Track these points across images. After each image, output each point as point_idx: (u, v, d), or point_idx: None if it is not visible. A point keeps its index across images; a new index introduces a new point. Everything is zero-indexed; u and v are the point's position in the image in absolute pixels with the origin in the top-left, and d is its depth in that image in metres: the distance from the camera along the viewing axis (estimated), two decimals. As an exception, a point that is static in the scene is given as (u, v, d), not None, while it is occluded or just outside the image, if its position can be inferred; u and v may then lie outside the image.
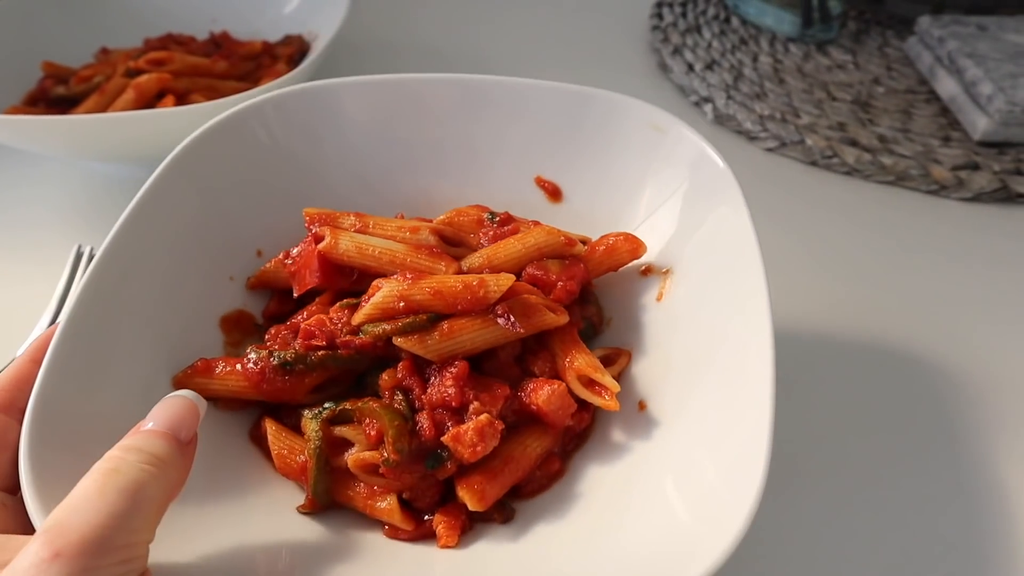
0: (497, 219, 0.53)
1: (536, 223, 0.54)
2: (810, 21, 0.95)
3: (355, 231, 0.51)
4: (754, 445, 0.37)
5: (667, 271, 0.51)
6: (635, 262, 0.53)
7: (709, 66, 0.91)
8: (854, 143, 0.79)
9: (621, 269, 0.53)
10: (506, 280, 0.45)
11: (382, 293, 0.45)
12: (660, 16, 1.03)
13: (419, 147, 0.58)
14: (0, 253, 0.70)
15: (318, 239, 0.50)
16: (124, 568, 0.32)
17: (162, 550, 0.37)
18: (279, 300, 0.54)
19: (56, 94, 0.79)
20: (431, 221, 0.53)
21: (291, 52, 0.85)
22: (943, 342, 0.62)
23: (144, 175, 0.67)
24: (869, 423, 0.56)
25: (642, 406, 0.47)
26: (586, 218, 0.56)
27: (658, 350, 0.49)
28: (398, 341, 0.44)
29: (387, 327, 0.45)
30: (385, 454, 0.42)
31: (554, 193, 0.58)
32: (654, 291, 0.52)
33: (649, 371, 0.48)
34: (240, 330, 0.52)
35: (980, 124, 0.79)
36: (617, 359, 0.49)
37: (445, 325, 0.45)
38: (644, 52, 1.00)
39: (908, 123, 0.83)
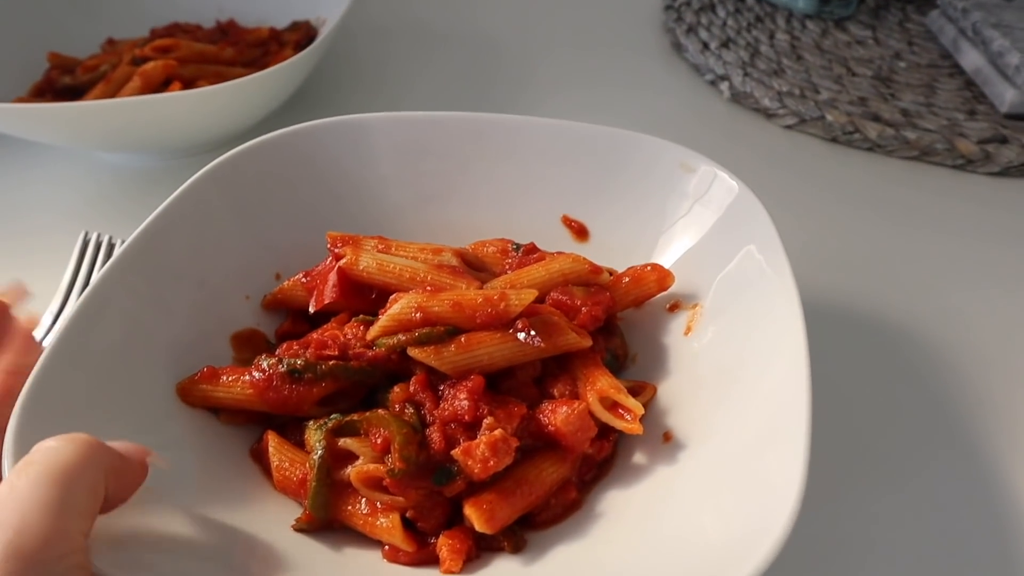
0: (521, 249, 0.52)
1: (560, 253, 0.52)
2: None
3: (376, 252, 0.50)
4: (786, 484, 0.35)
5: (695, 305, 0.50)
6: (662, 296, 0.51)
7: (725, 44, 0.90)
8: (876, 118, 0.77)
9: (647, 304, 0.52)
10: (528, 294, 0.44)
11: (400, 304, 0.44)
12: None
13: (446, 182, 0.58)
14: (7, 241, 0.69)
15: (339, 258, 0.49)
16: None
17: (147, 562, 0.35)
18: (294, 320, 0.53)
19: (63, 84, 0.79)
20: (452, 247, 0.52)
21: (298, 38, 0.85)
22: (972, 321, 0.60)
23: (151, 164, 0.66)
24: (896, 411, 0.54)
25: (668, 437, 0.44)
26: (613, 256, 0.54)
27: (686, 383, 0.47)
28: (413, 352, 0.43)
29: (402, 338, 0.43)
30: (390, 463, 0.40)
31: (580, 232, 0.57)
32: (681, 326, 0.50)
33: (676, 403, 0.46)
34: (251, 348, 0.51)
35: (1007, 96, 0.77)
36: (642, 391, 0.47)
37: (463, 338, 0.43)
38: (657, 32, 0.99)
39: (932, 97, 0.81)
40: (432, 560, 0.41)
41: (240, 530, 0.41)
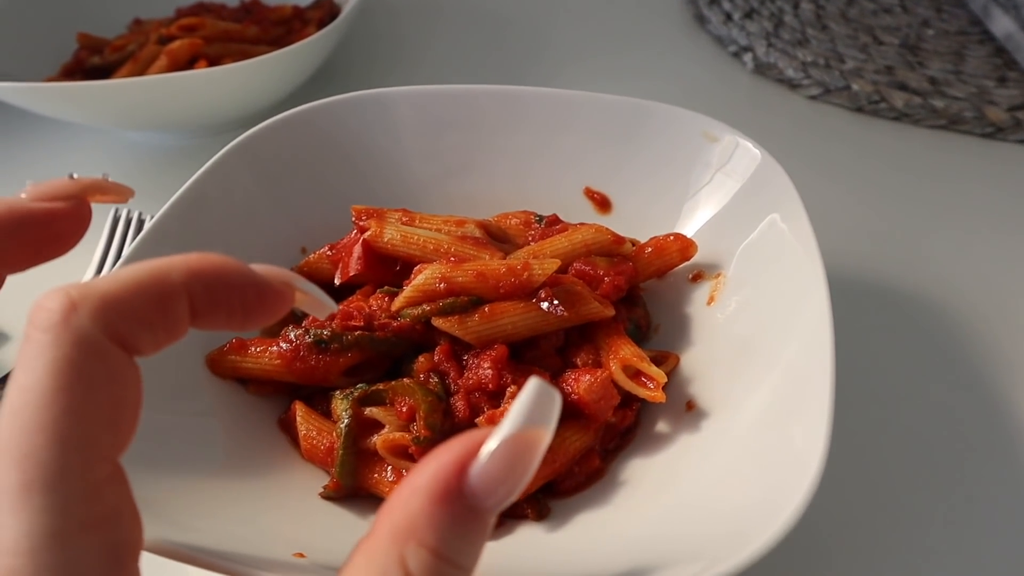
0: (544, 220, 0.53)
1: (582, 224, 0.53)
2: None
3: (400, 224, 0.50)
4: (808, 453, 0.35)
5: (718, 275, 0.50)
6: (685, 266, 0.51)
7: (748, 15, 0.89)
8: (903, 87, 0.76)
9: (670, 274, 0.52)
10: (551, 264, 0.44)
11: (424, 275, 0.45)
12: None
13: (468, 155, 0.58)
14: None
15: (363, 230, 0.50)
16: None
17: (176, 528, 0.35)
18: (320, 293, 0.53)
19: (91, 64, 0.80)
20: (475, 219, 0.52)
21: (321, 16, 0.85)
22: (1002, 291, 0.59)
23: (178, 142, 0.67)
24: (922, 383, 0.53)
25: (690, 406, 0.45)
26: (636, 227, 0.54)
27: (708, 352, 0.47)
28: (437, 322, 0.44)
29: (427, 308, 0.44)
30: (416, 431, 0.41)
31: (603, 204, 0.57)
32: (703, 296, 0.50)
33: (698, 372, 0.47)
34: (278, 322, 0.51)
35: (1041, 61, 0.76)
36: (665, 360, 0.47)
37: (486, 308, 0.44)
38: (679, 4, 0.98)
39: (960, 65, 0.80)
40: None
41: (270, 497, 0.42)
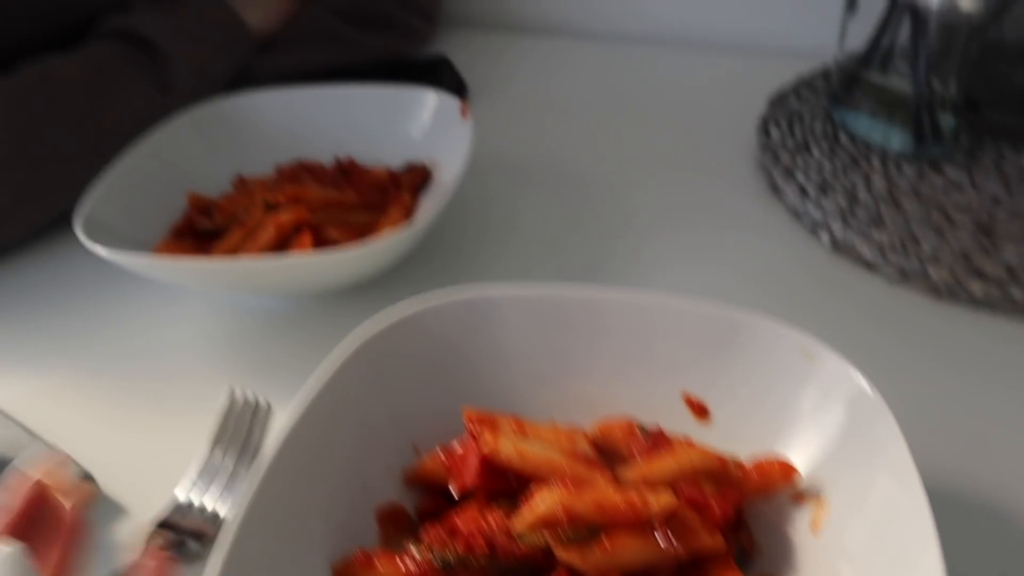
0: (648, 434, 0.55)
1: (688, 440, 0.56)
2: (921, 137, 0.92)
3: (513, 434, 0.53)
4: None
5: (820, 500, 0.52)
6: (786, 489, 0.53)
7: (822, 189, 0.89)
8: (980, 274, 0.75)
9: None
10: (668, 499, 0.47)
11: (546, 502, 0.47)
12: (767, 133, 1.01)
13: (570, 356, 0.61)
14: (151, 397, 0.74)
15: (479, 440, 0.53)
16: None
17: None
18: (434, 497, 0.56)
19: (202, 227, 0.85)
20: (583, 430, 0.56)
21: (415, 180, 0.89)
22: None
23: (279, 307, 0.73)
24: None
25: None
26: (734, 439, 0.57)
27: (814, 583, 0.49)
28: (559, 553, 0.46)
29: (550, 537, 0.47)
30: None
31: (701, 412, 0.59)
32: (806, 519, 0.52)
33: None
34: (395, 525, 0.54)
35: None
36: (770, 589, 0.49)
37: (606, 540, 0.46)
38: (754, 171, 0.98)
39: (1036, 249, 0.79)
40: None
41: None
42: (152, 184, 0.88)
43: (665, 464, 0.52)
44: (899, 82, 0.95)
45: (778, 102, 1.07)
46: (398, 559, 0.49)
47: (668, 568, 0.48)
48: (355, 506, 0.54)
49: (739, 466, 0.54)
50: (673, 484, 0.51)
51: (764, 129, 1.02)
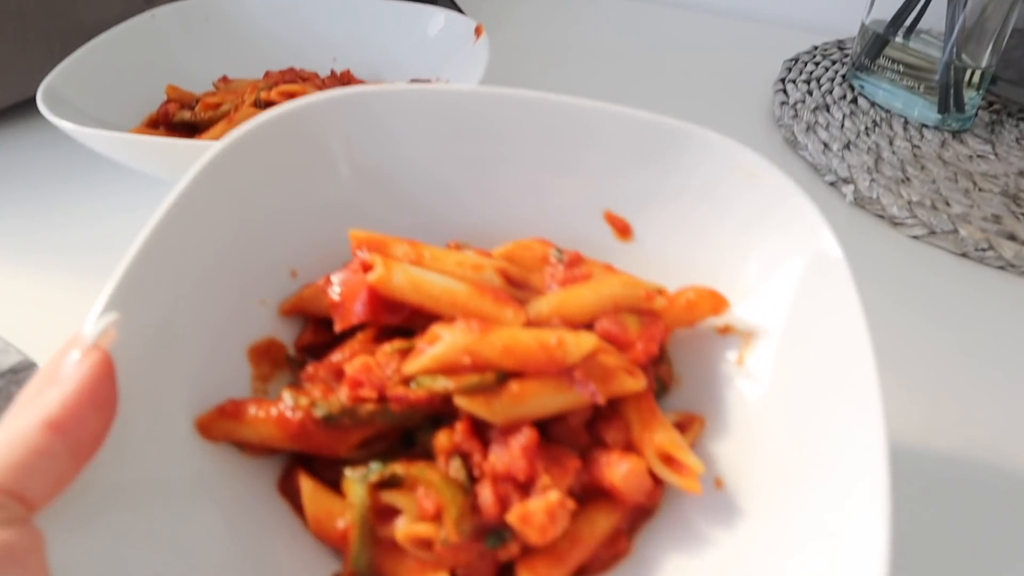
0: (564, 258, 0.48)
1: (608, 267, 0.49)
2: (946, 108, 0.89)
3: (408, 262, 0.46)
4: (866, 558, 0.33)
5: (749, 334, 0.47)
6: (713, 319, 0.48)
7: (846, 146, 0.86)
8: (1011, 237, 0.73)
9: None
10: (588, 342, 0.41)
11: (445, 345, 0.41)
12: (785, 92, 0.98)
13: (478, 167, 0.53)
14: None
15: (367, 268, 0.45)
16: None
17: None
18: (314, 330, 0.48)
19: (180, 119, 0.78)
20: (490, 255, 0.48)
21: None
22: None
23: None
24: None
25: (719, 483, 0.42)
26: (657, 261, 0.51)
27: (738, 422, 0.45)
28: (461, 402, 0.40)
29: (449, 384, 0.40)
30: (444, 534, 0.38)
31: (623, 231, 0.53)
32: (732, 353, 0.47)
33: (727, 444, 0.44)
34: (270, 362, 0.47)
35: None
36: (689, 427, 0.45)
37: (515, 387, 0.40)
38: (769, 128, 0.95)
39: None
40: (481, 618, 0.40)
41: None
42: (128, 71, 0.81)
43: (583, 296, 0.45)
44: (925, 52, 0.90)
45: (795, 65, 1.05)
46: (272, 409, 0.42)
47: (584, 413, 0.43)
48: (223, 343, 0.45)
49: (664, 296, 0.48)
50: (592, 318, 0.45)
51: (782, 88, 0.99)
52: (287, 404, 0.41)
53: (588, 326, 0.45)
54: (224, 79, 0.85)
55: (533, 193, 0.53)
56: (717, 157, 0.49)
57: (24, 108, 0.86)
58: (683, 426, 0.45)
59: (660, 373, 0.47)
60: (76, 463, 0.33)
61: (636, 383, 0.42)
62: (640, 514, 0.43)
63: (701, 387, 0.48)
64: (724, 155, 0.49)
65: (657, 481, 0.42)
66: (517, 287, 0.47)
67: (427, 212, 0.52)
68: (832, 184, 0.83)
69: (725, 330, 0.48)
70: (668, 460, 0.42)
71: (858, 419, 0.38)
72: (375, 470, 0.41)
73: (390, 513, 0.40)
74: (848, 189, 0.80)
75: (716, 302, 0.47)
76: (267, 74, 0.83)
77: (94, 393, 0.34)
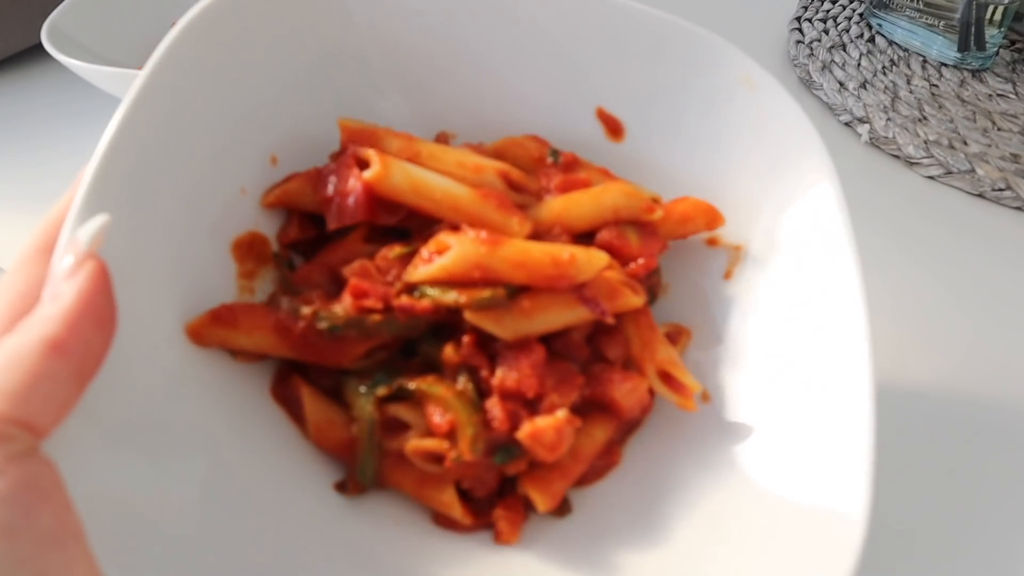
0: (560, 160, 0.47)
1: (606, 172, 0.48)
2: (966, 46, 0.87)
3: (404, 158, 0.43)
4: (851, 473, 0.35)
5: (739, 247, 0.47)
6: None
7: (863, 85, 0.83)
8: None
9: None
10: (600, 260, 0.41)
11: (455, 256, 0.39)
12: (801, 31, 0.94)
13: (470, 52, 0.49)
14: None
15: (361, 164, 0.42)
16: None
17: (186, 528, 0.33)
18: (300, 224, 0.46)
19: None
20: (481, 148, 0.46)
21: None
22: None
23: None
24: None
25: (706, 397, 0.44)
26: (648, 166, 0.50)
27: (725, 335, 0.46)
28: (471, 316, 0.39)
29: (460, 298, 0.39)
30: (457, 452, 0.38)
31: (615, 130, 0.51)
32: (720, 266, 0.48)
33: (714, 357, 0.46)
34: (254, 258, 0.44)
35: None
36: (678, 338, 0.46)
37: (525, 303, 0.39)
38: (784, 66, 0.91)
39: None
40: (484, 526, 0.41)
41: (277, 491, 0.38)
42: (134, 7, 0.79)
43: (584, 204, 0.45)
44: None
45: (812, 3, 0.99)
46: (271, 317, 0.40)
47: (586, 328, 0.43)
48: (204, 236, 0.42)
49: (657, 200, 0.48)
50: (593, 228, 0.45)
51: (798, 27, 0.94)
52: (287, 312, 0.40)
53: (589, 235, 0.45)
54: None
55: (525, 84, 0.50)
56: (720, 63, 0.48)
57: (31, 53, 0.84)
58: (672, 338, 0.46)
59: (651, 282, 0.48)
60: (80, 384, 0.31)
61: (638, 299, 0.43)
62: (631, 425, 0.45)
63: (688, 298, 0.49)
64: (727, 62, 0.48)
65: (650, 395, 0.44)
66: (516, 191, 0.45)
67: (414, 98, 0.49)
68: (847, 124, 0.82)
69: (713, 242, 0.49)
70: (666, 378, 0.43)
71: (843, 337, 0.39)
72: (382, 382, 0.40)
73: (396, 426, 0.40)
74: (864, 129, 0.79)
75: (711, 216, 0.47)
76: None
77: (94, 308, 0.31)
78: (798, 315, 0.43)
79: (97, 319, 0.31)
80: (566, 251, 0.40)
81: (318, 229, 0.45)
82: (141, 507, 0.33)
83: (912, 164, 0.76)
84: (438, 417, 0.39)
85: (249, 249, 0.44)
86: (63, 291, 0.31)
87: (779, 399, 0.42)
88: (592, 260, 0.40)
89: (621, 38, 0.49)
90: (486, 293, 0.39)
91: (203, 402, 0.39)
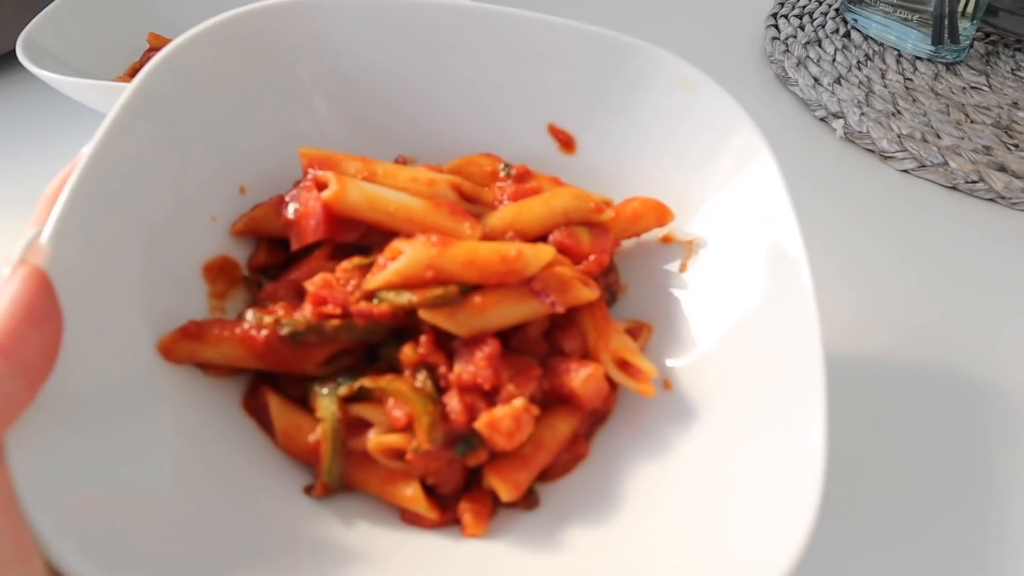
0: (513, 172, 0.49)
1: (556, 180, 0.50)
2: (940, 40, 0.90)
3: (361, 179, 0.45)
4: (806, 454, 0.36)
5: (691, 241, 0.49)
6: (656, 230, 0.50)
7: (837, 80, 0.86)
8: (1002, 168, 0.74)
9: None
10: (546, 253, 0.42)
11: (407, 259, 0.41)
12: (777, 28, 0.97)
13: (423, 80, 0.52)
14: None
15: (320, 186, 0.45)
16: None
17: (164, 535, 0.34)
18: (268, 249, 0.48)
19: None
20: (440, 169, 0.48)
21: None
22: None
23: None
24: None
25: (668, 386, 0.45)
26: (601, 174, 0.52)
27: (683, 326, 0.47)
28: (425, 315, 0.41)
29: (413, 298, 0.41)
30: (416, 444, 0.39)
31: (567, 144, 0.53)
32: (675, 260, 0.49)
33: (674, 348, 0.47)
34: (225, 280, 0.46)
35: None
36: (639, 334, 0.47)
37: (477, 299, 0.41)
38: (760, 63, 0.94)
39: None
40: (452, 522, 0.41)
41: (247, 497, 0.40)
42: (109, 19, 0.80)
43: (536, 209, 0.47)
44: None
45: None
46: (236, 328, 0.42)
47: (543, 323, 0.44)
48: (177, 260, 0.45)
49: (609, 204, 0.49)
50: (545, 231, 0.46)
51: (774, 24, 0.98)
52: (251, 323, 0.42)
53: (542, 239, 0.46)
54: None
55: (478, 107, 0.53)
56: (659, 71, 0.51)
57: (2, 61, 0.84)
58: (633, 333, 0.47)
59: (609, 282, 0.49)
60: (28, 383, 0.32)
61: (591, 292, 0.44)
62: (597, 418, 0.45)
63: (647, 295, 0.50)
64: (665, 69, 0.50)
65: (612, 386, 0.45)
66: (470, 202, 0.47)
67: (373, 126, 0.52)
68: (822, 119, 0.83)
69: (667, 239, 0.50)
70: (623, 365, 0.44)
71: (794, 323, 0.41)
72: (344, 383, 0.42)
73: (360, 426, 0.41)
74: (838, 124, 0.81)
75: (661, 213, 0.49)
76: None
77: (30, 308, 0.33)
78: (749, 303, 0.45)
79: (35, 318, 0.33)
80: (513, 247, 0.42)
81: (286, 254, 0.48)
82: (112, 506, 0.35)
83: (886, 158, 0.78)
84: (397, 412, 0.40)
85: (220, 272, 0.47)
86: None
87: (737, 384, 0.43)
88: (539, 254, 0.42)
89: (567, 57, 0.52)
90: (438, 291, 0.41)
91: (174, 415, 0.40)
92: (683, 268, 0.49)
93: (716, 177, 0.49)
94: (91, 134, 0.40)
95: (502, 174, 0.49)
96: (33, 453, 0.32)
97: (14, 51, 0.69)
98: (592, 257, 0.46)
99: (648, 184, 0.51)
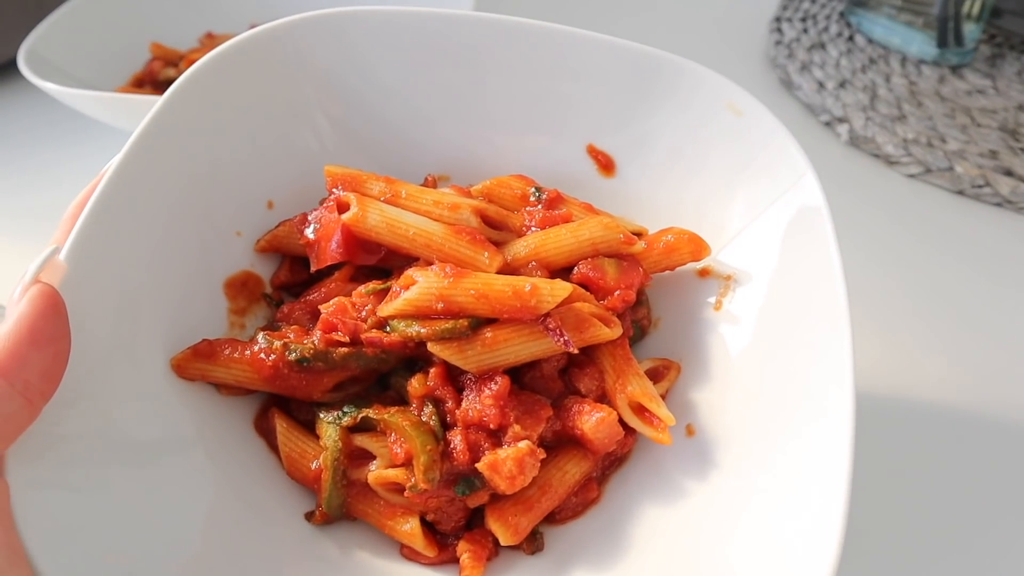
0: (544, 196, 0.47)
1: (588, 207, 0.48)
2: (945, 43, 0.86)
3: (384, 200, 0.45)
4: (825, 515, 0.33)
5: (729, 277, 0.46)
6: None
7: (841, 85, 0.83)
8: (1008, 172, 0.71)
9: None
10: (561, 290, 0.40)
11: (419, 289, 0.40)
12: (780, 31, 0.94)
13: (458, 97, 0.51)
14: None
15: (342, 207, 0.44)
16: None
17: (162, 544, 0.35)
18: (291, 267, 0.48)
19: (165, 76, 0.77)
20: (468, 191, 0.47)
21: None
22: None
23: None
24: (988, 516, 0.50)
25: (691, 431, 0.43)
26: (640, 200, 0.50)
27: (714, 369, 0.44)
28: (434, 348, 0.39)
29: (423, 330, 0.39)
30: (414, 482, 0.38)
31: (607, 166, 0.51)
32: (711, 297, 0.46)
33: (701, 391, 0.44)
34: (246, 296, 0.47)
35: None
36: (666, 373, 0.45)
37: (488, 334, 0.40)
38: (764, 67, 0.91)
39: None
40: (451, 560, 0.40)
41: (251, 518, 0.40)
42: (111, 30, 0.81)
43: (562, 239, 0.44)
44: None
45: (792, 3, 1.00)
46: (247, 351, 0.42)
47: (558, 361, 0.43)
48: (200, 275, 0.45)
49: (642, 235, 0.47)
50: (571, 262, 0.44)
51: (778, 28, 0.95)
52: (261, 345, 0.41)
53: (567, 269, 0.44)
54: (209, 35, 0.84)
55: (514, 125, 0.51)
56: (708, 93, 0.48)
57: (3, 72, 0.85)
58: (660, 372, 0.45)
59: (638, 316, 0.47)
60: (29, 403, 0.32)
61: (611, 332, 0.42)
62: (612, 462, 0.44)
63: (679, 331, 0.47)
64: (715, 91, 0.47)
65: (630, 430, 0.43)
66: (495, 228, 0.46)
67: (405, 144, 0.51)
68: (827, 124, 0.80)
69: (704, 273, 0.48)
70: (640, 410, 0.42)
71: (828, 374, 0.38)
72: (349, 413, 0.41)
73: (363, 456, 0.41)
74: (843, 128, 0.78)
75: (697, 247, 0.46)
76: (252, 26, 0.81)
77: (34, 330, 0.33)
78: (785, 349, 0.42)
79: (39, 340, 0.33)
80: (528, 282, 0.40)
81: (308, 272, 0.47)
82: (116, 521, 0.35)
83: (892, 163, 0.75)
84: (397, 447, 0.39)
85: (242, 287, 0.47)
86: (8, 318, 0.33)
87: (763, 433, 0.40)
88: (554, 290, 0.40)
89: (608, 74, 0.49)
90: (447, 324, 0.40)
91: (189, 432, 0.41)
92: (718, 306, 0.46)
93: (762, 211, 0.46)
94: (93, 144, 0.41)
95: (532, 198, 0.47)
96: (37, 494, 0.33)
97: (14, 60, 0.70)
98: (617, 293, 0.43)
99: (690, 213, 0.48)
